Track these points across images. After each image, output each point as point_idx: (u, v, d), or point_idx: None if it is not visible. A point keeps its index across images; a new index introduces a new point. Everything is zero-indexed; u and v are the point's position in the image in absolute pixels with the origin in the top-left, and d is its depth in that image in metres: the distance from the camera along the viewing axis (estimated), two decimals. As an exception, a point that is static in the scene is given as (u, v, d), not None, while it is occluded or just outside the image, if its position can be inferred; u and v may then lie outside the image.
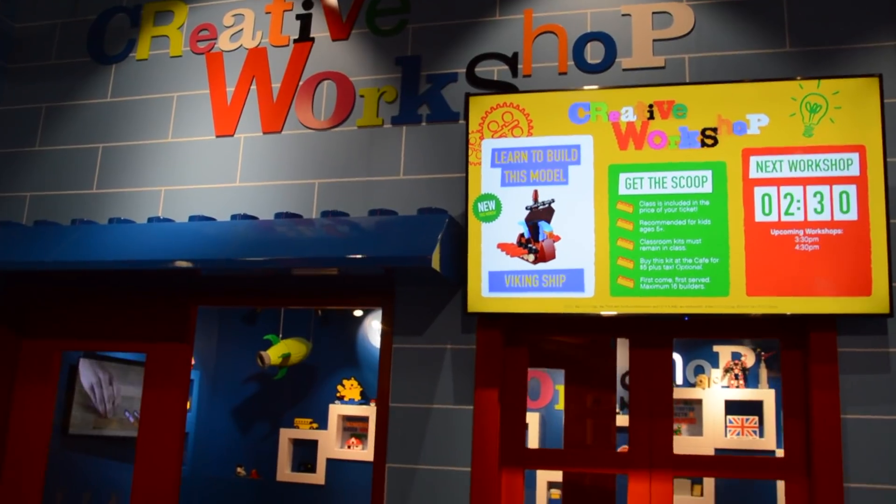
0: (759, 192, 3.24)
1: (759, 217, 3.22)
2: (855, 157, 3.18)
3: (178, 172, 4.09)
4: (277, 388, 9.05)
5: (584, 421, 4.11)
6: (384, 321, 3.69)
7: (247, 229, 3.70)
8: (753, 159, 3.26)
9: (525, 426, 3.57)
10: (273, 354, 8.21)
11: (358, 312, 8.41)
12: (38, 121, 4.41)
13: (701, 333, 3.55)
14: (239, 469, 9.15)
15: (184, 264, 3.53)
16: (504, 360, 3.56)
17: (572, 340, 4.03)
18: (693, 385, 7.74)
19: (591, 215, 3.34)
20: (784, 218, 3.21)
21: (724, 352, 7.71)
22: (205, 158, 4.07)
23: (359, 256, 3.31)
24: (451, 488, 3.46)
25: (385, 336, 3.68)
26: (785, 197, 3.23)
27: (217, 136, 4.07)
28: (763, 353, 7.51)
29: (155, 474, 3.97)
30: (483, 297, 3.42)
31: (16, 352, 4.29)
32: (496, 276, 3.42)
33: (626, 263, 3.29)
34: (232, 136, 4.05)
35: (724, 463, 3.66)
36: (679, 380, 7.81)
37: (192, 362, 8.71)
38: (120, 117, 4.28)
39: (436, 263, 3.24)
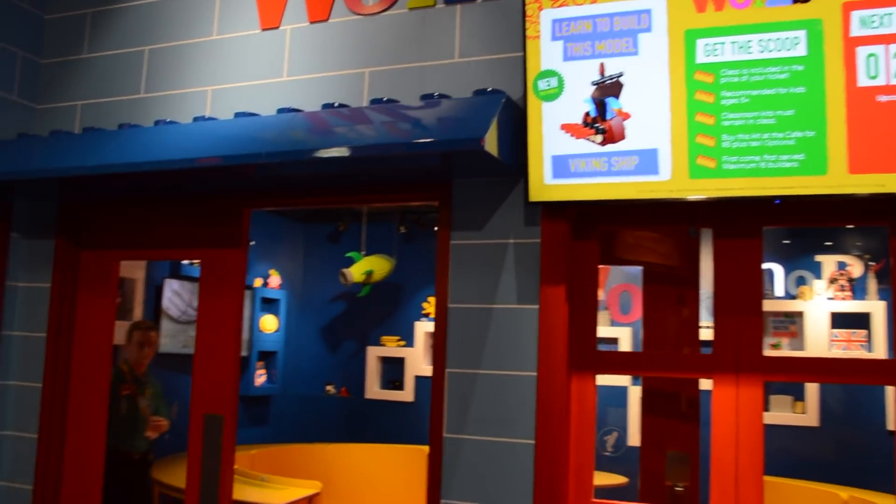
0: (862, 52, 2.75)
1: (862, 81, 2.73)
2: (981, 2, 2.66)
3: (225, 70, 3.82)
4: (364, 307, 8.94)
5: (665, 324, 3.73)
6: (441, 216, 3.37)
7: (292, 122, 3.42)
8: (855, 14, 2.76)
9: (596, 327, 3.22)
10: (356, 272, 8.06)
11: (441, 228, 8.14)
12: (84, 27, 4.20)
13: (795, 219, 3.11)
14: (328, 387, 9.12)
15: (231, 161, 3.28)
16: (572, 254, 3.20)
17: (650, 232, 3.65)
18: (794, 297, 7.23)
19: (666, 88, 2.91)
20: (893, 81, 2.71)
21: (828, 261, 7.14)
22: (251, 54, 3.78)
23: (405, 142, 2.98)
24: (516, 394, 3.16)
25: (442, 232, 3.36)
26: (895, 56, 2.74)
27: (263, 30, 3.77)
28: (872, 265, 6.93)
29: (213, 381, 3.80)
30: (546, 184, 3.06)
31: (76, 264, 4.18)
32: (560, 161, 3.04)
33: (706, 141, 2.87)
34: (278, 28, 3.74)
35: (823, 366, 3.23)
36: (780, 291, 7.31)
37: (280, 281, 8.67)
38: (164, 17, 4.02)
39: (491, 146, 2.89)
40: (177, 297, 7.34)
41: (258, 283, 8.47)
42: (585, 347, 3.19)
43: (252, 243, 8.38)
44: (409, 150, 2.95)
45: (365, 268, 8.12)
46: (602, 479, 6.49)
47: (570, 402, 3.16)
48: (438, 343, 3.31)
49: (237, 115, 3.61)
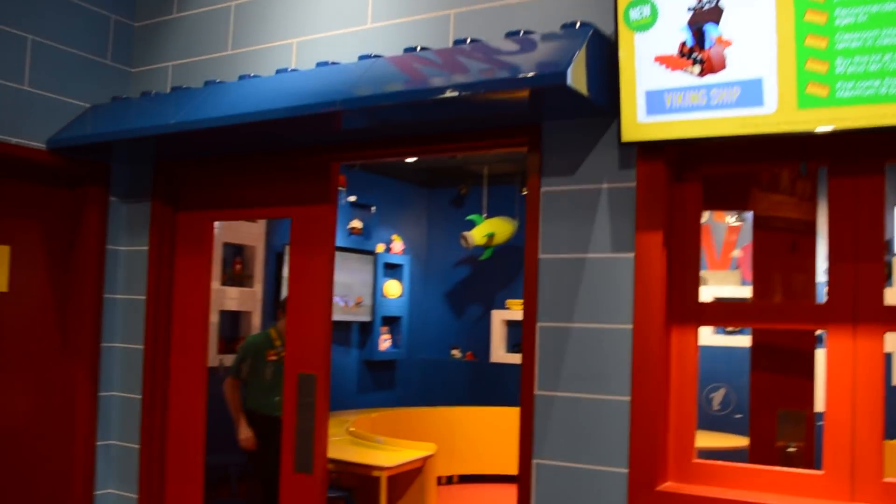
0: None
1: None
2: None
3: (309, 21, 3.70)
4: (488, 270, 8.87)
5: (777, 273, 3.43)
6: (530, 162, 3.17)
7: (378, 67, 3.27)
8: None
9: (698, 277, 2.97)
10: (477, 234, 7.97)
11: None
12: (173, -15, 4.18)
13: (922, 151, 2.78)
14: (454, 351, 9.08)
15: (317, 109, 3.16)
16: (672, 198, 2.95)
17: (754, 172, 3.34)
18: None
19: (771, 10, 2.60)
20: None
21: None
22: (335, 1, 3.65)
23: (478, 81, 2.80)
24: (611, 348, 2.94)
25: (532, 178, 3.16)
26: None
27: (346, -25, 3.65)
28: None
29: (305, 340, 3.73)
30: (640, 122, 2.81)
31: (173, 225, 4.18)
32: (654, 97, 2.78)
33: (817, 66, 2.56)
34: (361, -28, 3.61)
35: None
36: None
37: (403, 246, 8.63)
38: (250, -30, 3.95)
39: (577, 82, 2.67)
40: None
41: (380, 248, 8.47)
42: (686, 298, 2.94)
43: (373, 209, 8.37)
44: (482, 89, 2.77)
45: (486, 230, 8.02)
46: (718, 440, 6.16)
47: (670, 356, 2.92)
48: (529, 296, 3.12)
49: (318, 64, 3.49)
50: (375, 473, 5.18)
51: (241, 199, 4.03)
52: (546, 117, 3.12)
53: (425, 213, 9.45)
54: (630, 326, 2.91)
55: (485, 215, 8.36)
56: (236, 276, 6.77)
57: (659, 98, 2.77)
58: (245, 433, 5.76)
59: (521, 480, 3.09)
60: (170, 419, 4.12)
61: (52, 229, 4.14)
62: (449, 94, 2.80)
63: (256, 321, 6.85)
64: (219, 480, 6.27)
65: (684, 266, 2.95)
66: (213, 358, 6.23)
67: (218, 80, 3.79)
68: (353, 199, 7.88)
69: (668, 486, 2.85)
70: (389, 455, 5.58)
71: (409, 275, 8.88)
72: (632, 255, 2.93)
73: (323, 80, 3.32)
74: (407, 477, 5.56)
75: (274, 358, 5.78)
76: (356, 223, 7.98)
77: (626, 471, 2.89)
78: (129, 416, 4.16)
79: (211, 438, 4.14)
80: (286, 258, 7.41)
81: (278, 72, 3.61)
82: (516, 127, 3.20)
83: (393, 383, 8.92)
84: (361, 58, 3.39)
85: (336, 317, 7.95)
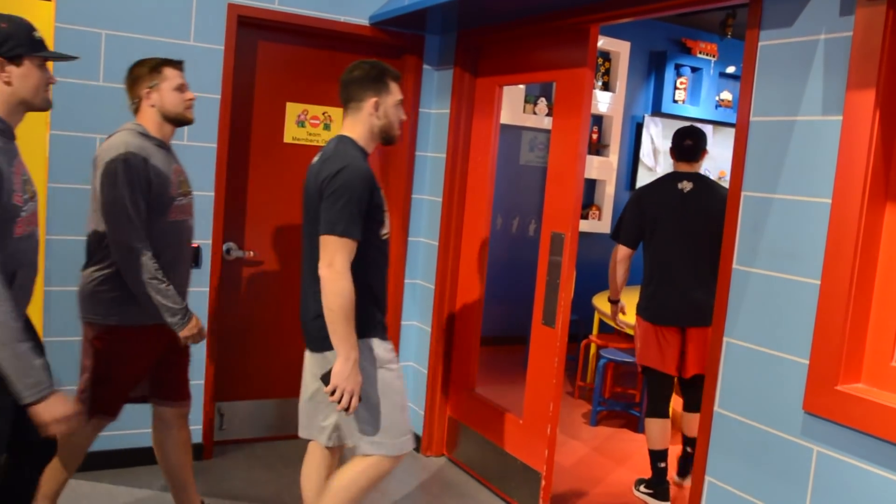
0: None
1: None
2: None
3: None
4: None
5: None
6: (750, 12, 2.63)
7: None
8: None
9: (927, 145, 2.27)
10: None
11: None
12: None
13: None
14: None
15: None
16: (901, 50, 2.27)
17: None
18: None
19: None
20: None
21: None
22: None
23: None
24: (809, 224, 2.41)
25: (750, 32, 2.63)
26: None
27: None
28: None
29: (559, 200, 3.61)
30: (852, -46, 2.18)
31: (472, 90, 4.26)
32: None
33: None
34: None
35: None
36: None
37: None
38: None
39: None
40: (653, 140, 7.03)
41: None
42: (907, 171, 2.29)
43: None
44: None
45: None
46: None
47: (877, 240, 2.31)
48: (736, 162, 2.67)
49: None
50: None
51: (521, 64, 3.94)
52: (771, -40, 2.56)
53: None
54: (829, 201, 2.36)
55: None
56: (592, 144, 6.62)
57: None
58: None
59: (711, 358, 2.73)
60: (461, 265, 4.31)
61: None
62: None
63: (610, 190, 6.69)
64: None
65: (909, 132, 2.28)
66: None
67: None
68: (731, 70, 7.14)
69: (854, 387, 2.32)
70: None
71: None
72: (840, 118, 2.34)
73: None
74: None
75: None
76: (726, 95, 7.26)
77: (807, 362, 2.40)
78: (430, 260, 4.43)
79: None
80: (646, 128, 7.05)
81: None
82: (740, -27, 2.68)
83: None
84: None
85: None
